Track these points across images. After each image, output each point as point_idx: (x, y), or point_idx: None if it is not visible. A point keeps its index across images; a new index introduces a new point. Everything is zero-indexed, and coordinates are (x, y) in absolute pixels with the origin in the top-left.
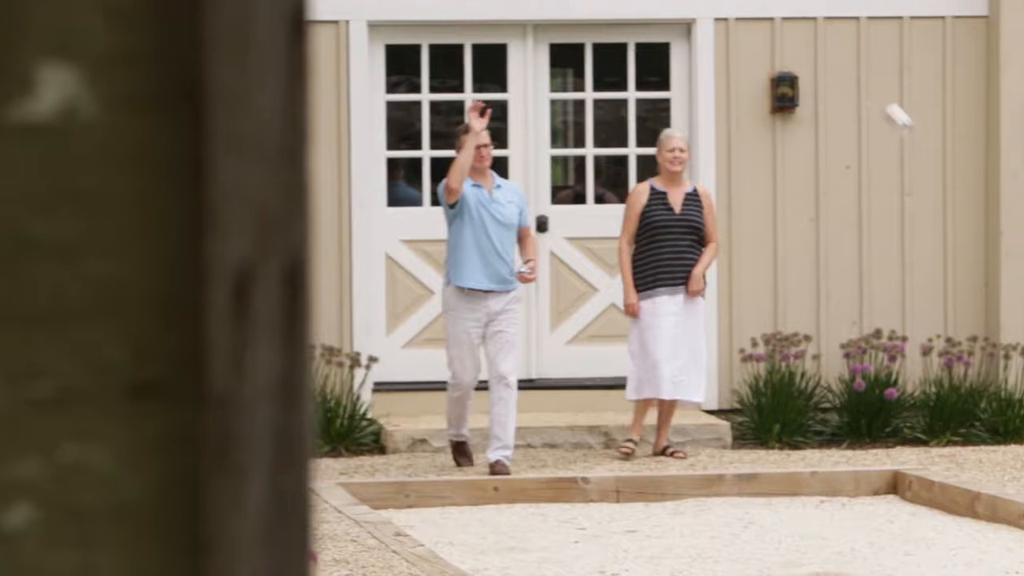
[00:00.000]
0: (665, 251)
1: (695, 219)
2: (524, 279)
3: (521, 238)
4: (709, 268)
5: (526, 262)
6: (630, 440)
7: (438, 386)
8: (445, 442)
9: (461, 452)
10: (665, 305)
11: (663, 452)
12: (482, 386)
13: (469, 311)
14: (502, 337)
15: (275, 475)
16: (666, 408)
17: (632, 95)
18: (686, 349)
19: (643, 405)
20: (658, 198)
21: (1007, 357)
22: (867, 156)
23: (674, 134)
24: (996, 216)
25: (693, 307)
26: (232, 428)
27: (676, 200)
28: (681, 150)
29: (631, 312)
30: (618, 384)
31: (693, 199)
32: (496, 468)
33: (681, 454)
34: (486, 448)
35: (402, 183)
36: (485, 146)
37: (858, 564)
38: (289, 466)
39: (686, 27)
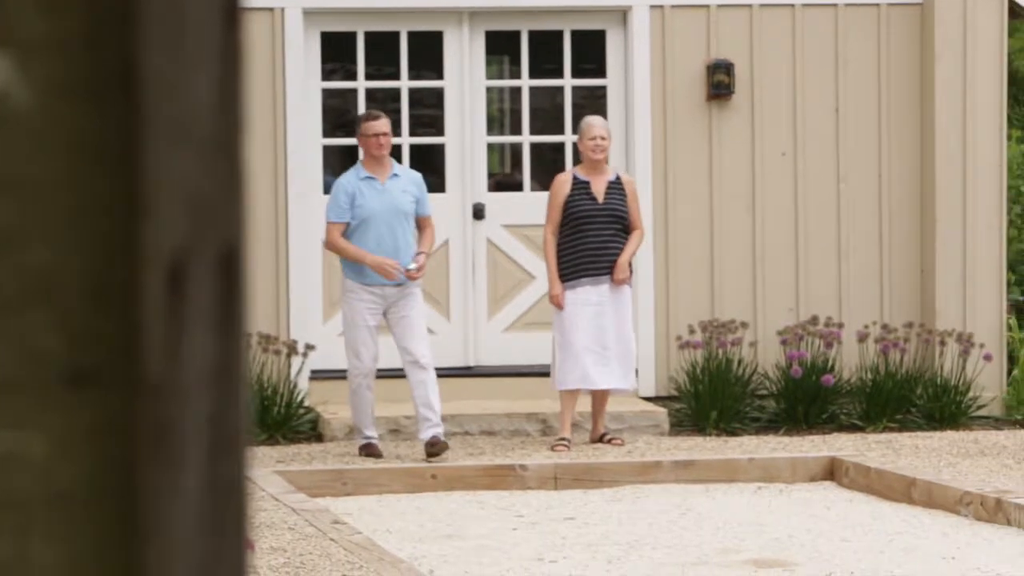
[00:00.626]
0: (589, 241)
1: (619, 208)
2: (410, 276)
3: (420, 228)
4: (634, 256)
5: (416, 255)
6: (562, 441)
7: (393, 372)
8: (380, 433)
9: (370, 452)
10: (589, 295)
11: (600, 439)
12: (399, 374)
13: (368, 295)
14: (407, 321)
15: (211, 463)
16: (599, 397)
17: (568, 82)
18: (613, 338)
19: (570, 398)
20: (581, 188)
21: (943, 343)
22: (803, 143)
23: (594, 122)
24: (932, 203)
25: (620, 296)
26: (168, 416)
27: (599, 189)
28: (603, 138)
29: (555, 303)
30: None
31: (616, 187)
32: (435, 445)
33: (619, 440)
34: (417, 431)
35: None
36: (384, 135)
37: (795, 550)
38: (225, 454)
39: (622, 14)
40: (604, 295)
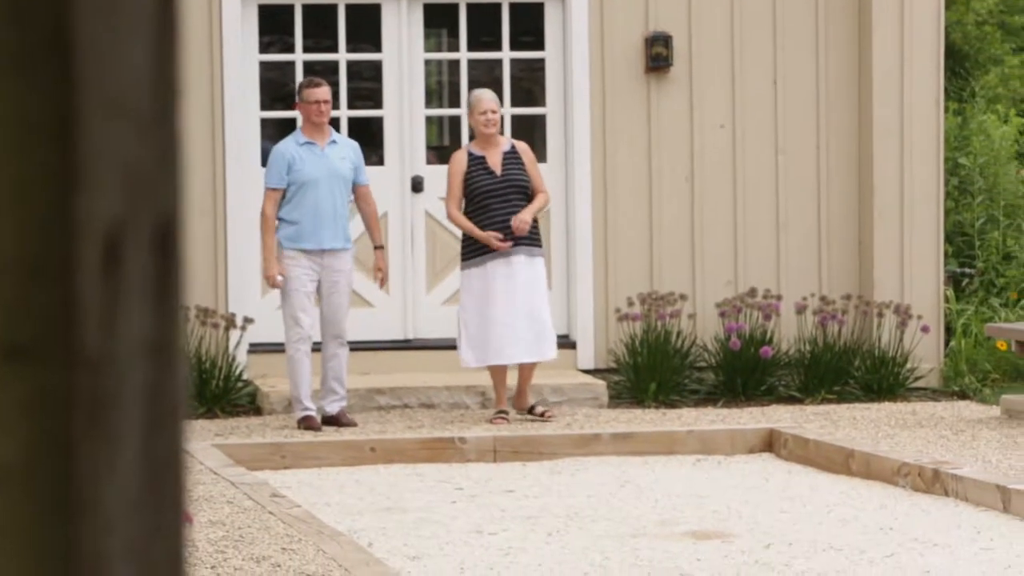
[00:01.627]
0: (495, 216)
1: (519, 178)
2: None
3: (359, 197)
4: (539, 213)
5: (377, 272)
6: (501, 414)
7: (313, 347)
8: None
9: (309, 425)
10: (498, 268)
11: (530, 411)
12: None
13: (305, 260)
14: (336, 299)
15: (148, 437)
16: (524, 369)
17: (507, 55)
18: (527, 309)
19: (499, 372)
20: (477, 163)
21: (880, 315)
22: (741, 115)
23: (483, 96)
24: (869, 175)
25: (532, 268)
26: (104, 390)
27: (495, 162)
28: (493, 111)
29: (497, 246)
30: None
31: (512, 157)
32: (343, 419)
33: (550, 413)
34: (320, 399)
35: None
36: (325, 102)
37: (734, 522)
38: (162, 428)
39: None
40: (516, 267)
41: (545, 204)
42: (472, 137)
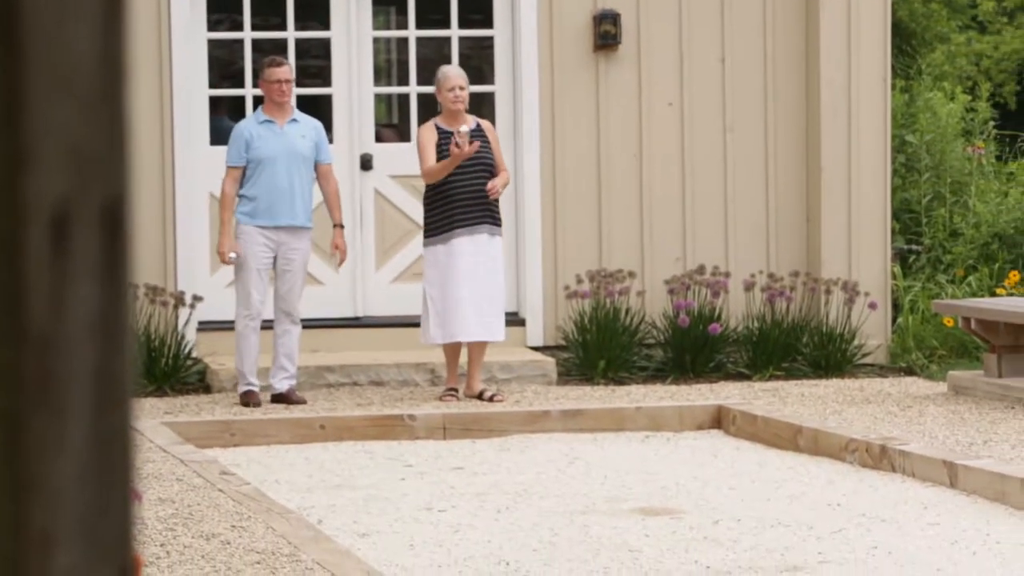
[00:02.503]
0: (460, 192)
1: (484, 155)
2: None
3: (320, 176)
4: (503, 190)
5: (335, 250)
6: (451, 391)
7: (265, 324)
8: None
9: (249, 401)
10: (464, 245)
11: (479, 396)
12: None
13: (261, 237)
14: (291, 275)
15: (97, 414)
16: (475, 350)
17: (455, 33)
18: (485, 289)
19: (453, 349)
20: (445, 139)
21: (828, 292)
22: (689, 93)
23: (451, 73)
24: (817, 153)
25: (493, 247)
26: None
27: (463, 139)
28: (461, 88)
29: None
30: None
31: (479, 135)
32: (292, 397)
33: (500, 397)
34: (270, 377)
35: (225, 118)
36: (287, 81)
37: (682, 498)
38: (111, 405)
39: None
40: (479, 245)
41: (506, 182)
42: (426, 118)
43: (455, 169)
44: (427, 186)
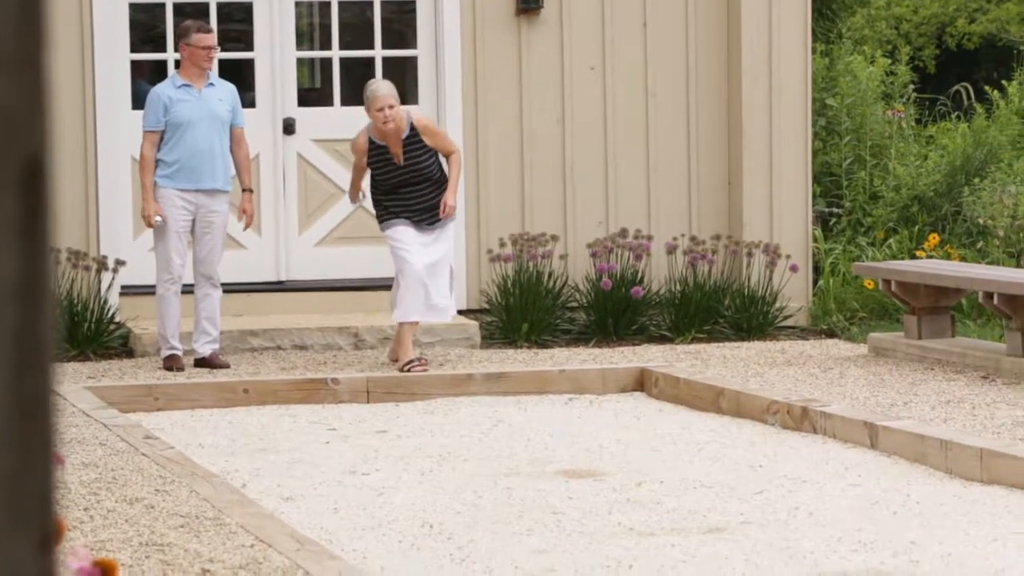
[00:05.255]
0: (406, 200)
1: (422, 166)
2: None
3: (233, 140)
4: (458, 181)
5: (242, 214)
6: (418, 362)
7: (186, 289)
8: (186, 348)
9: (172, 365)
10: (412, 228)
11: (401, 369)
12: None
13: (180, 200)
14: (209, 239)
15: (16, 378)
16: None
17: None
18: (437, 268)
19: (408, 327)
20: (378, 152)
21: (750, 255)
22: (611, 57)
23: (379, 91)
24: (738, 116)
25: (444, 229)
26: None
27: (397, 152)
28: (391, 106)
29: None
30: (368, 286)
31: (413, 141)
32: (215, 361)
33: (420, 368)
34: (193, 342)
35: (145, 83)
36: (215, 48)
37: (606, 460)
38: (31, 369)
39: None
40: (430, 231)
41: (459, 166)
42: (348, 82)
43: (398, 184)
44: (374, 191)
